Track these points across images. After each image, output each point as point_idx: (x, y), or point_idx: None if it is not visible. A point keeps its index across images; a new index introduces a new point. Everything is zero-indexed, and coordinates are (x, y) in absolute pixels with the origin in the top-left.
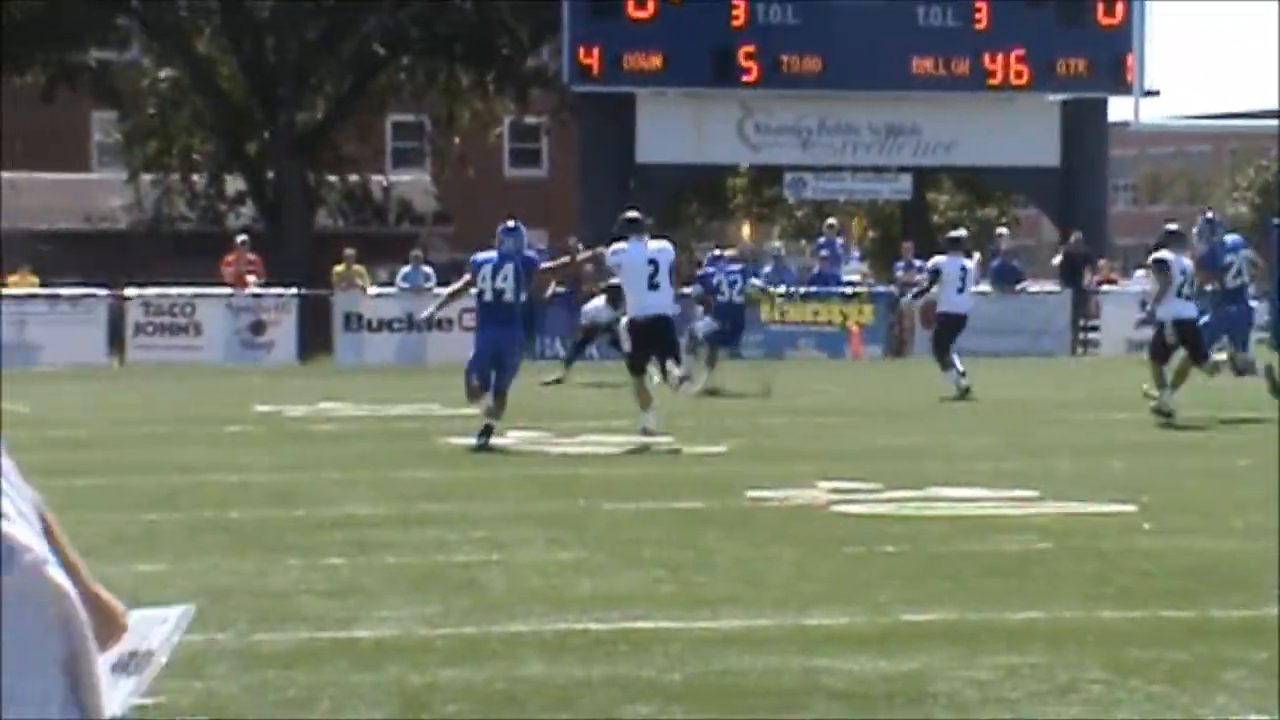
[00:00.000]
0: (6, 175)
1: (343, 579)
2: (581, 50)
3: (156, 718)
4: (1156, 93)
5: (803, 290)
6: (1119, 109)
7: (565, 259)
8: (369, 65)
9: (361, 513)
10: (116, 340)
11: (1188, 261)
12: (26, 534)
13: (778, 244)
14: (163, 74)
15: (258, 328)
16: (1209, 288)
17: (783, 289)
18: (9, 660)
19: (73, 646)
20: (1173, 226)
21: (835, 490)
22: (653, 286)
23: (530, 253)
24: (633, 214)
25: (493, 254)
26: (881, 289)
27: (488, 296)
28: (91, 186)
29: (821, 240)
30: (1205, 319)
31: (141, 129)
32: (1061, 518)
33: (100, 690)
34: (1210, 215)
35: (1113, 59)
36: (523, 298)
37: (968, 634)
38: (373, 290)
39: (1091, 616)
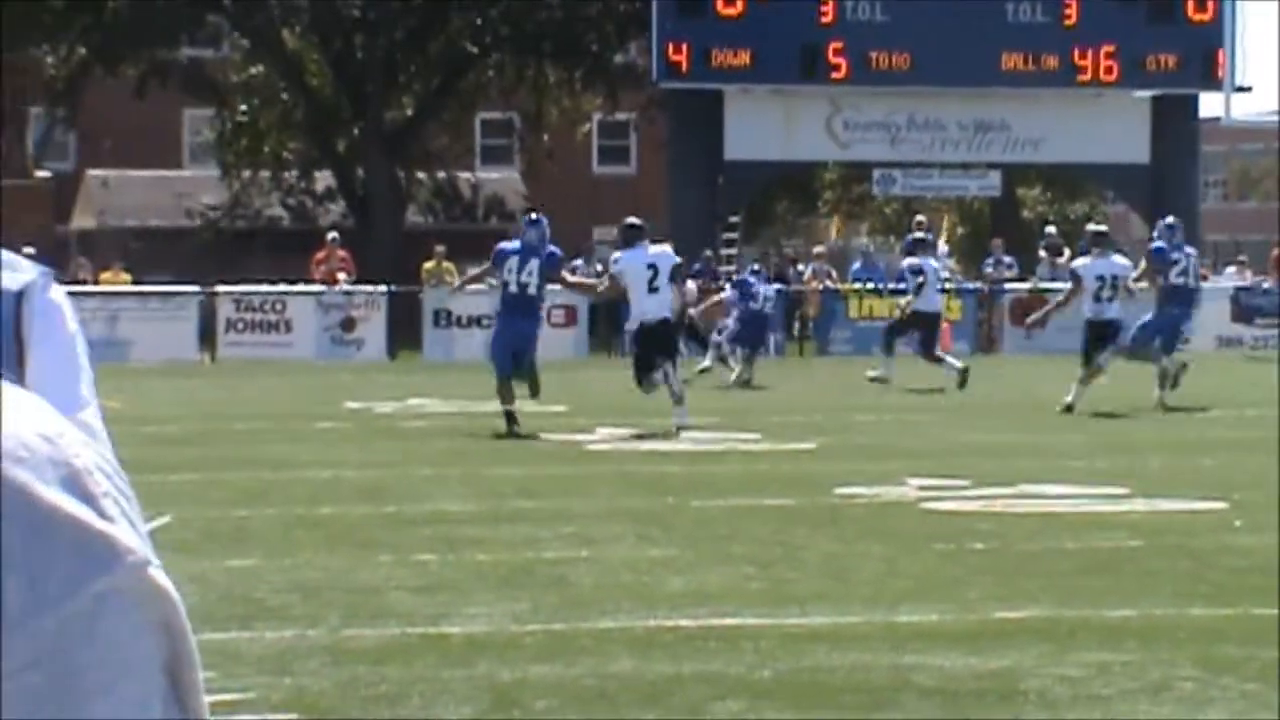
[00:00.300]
0: (99, 173)
1: (433, 575)
2: (670, 47)
3: (248, 715)
4: (1248, 88)
5: (890, 287)
6: (1210, 105)
7: (592, 282)
8: (458, 62)
9: (451, 509)
10: (207, 337)
11: (1120, 262)
12: (130, 535)
13: (866, 240)
14: (253, 70)
15: (348, 324)
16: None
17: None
18: (108, 661)
19: (174, 648)
20: (1099, 228)
21: (924, 487)
22: (652, 290)
23: (553, 247)
24: (633, 220)
25: (516, 244)
26: (970, 285)
27: (512, 288)
28: (183, 183)
29: (909, 237)
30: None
31: (233, 126)
32: (1153, 515)
33: (202, 692)
34: (1170, 221)
35: (1204, 54)
36: (543, 291)
37: (1059, 631)
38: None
39: (1183, 614)
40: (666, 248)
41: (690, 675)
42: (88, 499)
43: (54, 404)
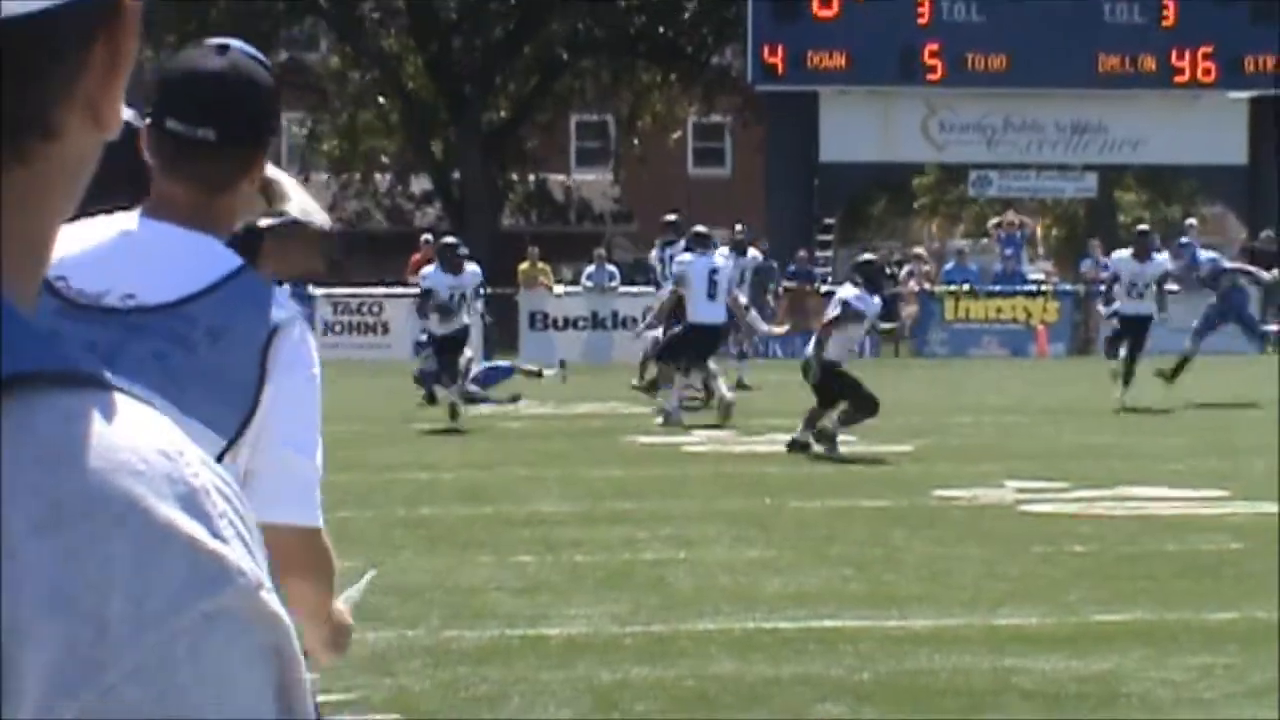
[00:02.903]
0: None
1: (532, 576)
2: (765, 49)
3: (351, 715)
4: None
5: (987, 288)
6: None
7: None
8: (553, 65)
9: (550, 510)
10: None
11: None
12: (244, 557)
13: (962, 243)
14: (352, 74)
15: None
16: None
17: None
18: (214, 681)
19: (286, 675)
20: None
21: (1023, 489)
22: (710, 296)
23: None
24: (700, 229)
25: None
26: (1067, 287)
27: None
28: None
29: (1003, 237)
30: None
31: (329, 128)
32: (1254, 518)
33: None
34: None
35: None
36: None
37: (1160, 634)
38: (558, 289)
39: None
40: (729, 258)
41: (790, 677)
42: (203, 518)
43: (280, 437)
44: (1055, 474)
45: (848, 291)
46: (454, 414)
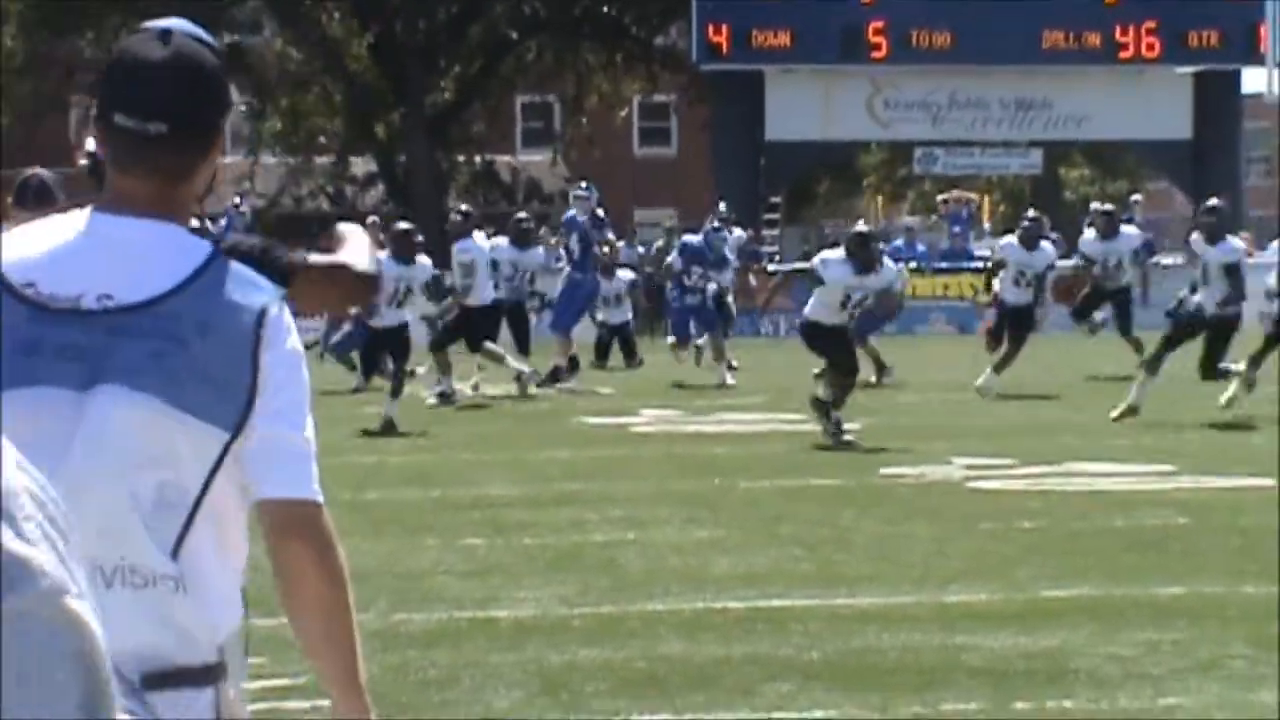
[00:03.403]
0: None
1: (481, 559)
2: (710, 29)
3: (298, 700)
4: None
5: (934, 265)
6: (1252, 80)
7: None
8: (498, 46)
9: (498, 493)
10: None
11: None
12: (51, 561)
13: (910, 220)
14: (294, 54)
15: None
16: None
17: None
18: (11, 694)
19: (90, 682)
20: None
21: (970, 466)
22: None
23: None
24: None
25: None
26: None
27: None
28: (221, 170)
29: (951, 214)
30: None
31: (266, 109)
32: (1201, 492)
33: None
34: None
35: (1246, 30)
36: None
37: (1108, 610)
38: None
39: (1233, 591)
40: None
41: (739, 657)
42: (8, 519)
43: (271, 413)
44: (1003, 451)
45: (827, 254)
46: (390, 427)
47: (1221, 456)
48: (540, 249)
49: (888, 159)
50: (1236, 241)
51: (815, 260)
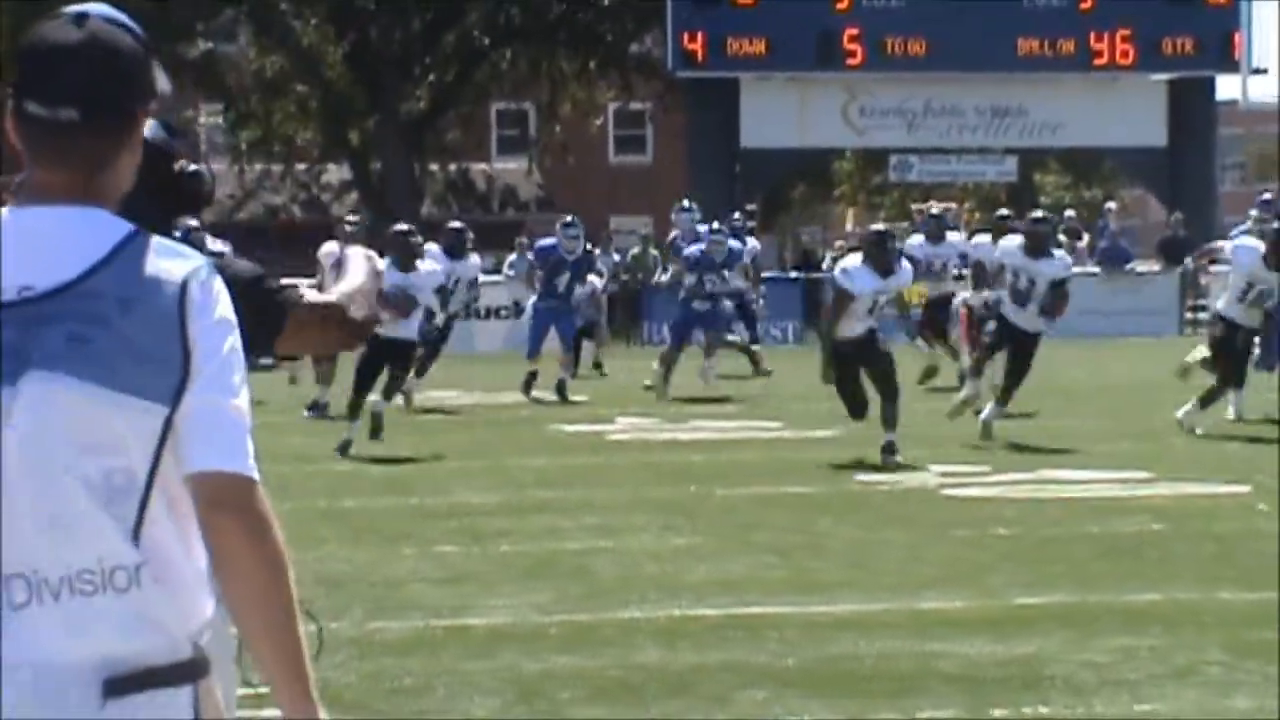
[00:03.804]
0: None
1: (456, 567)
2: (685, 36)
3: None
4: (1264, 71)
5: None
6: (1226, 87)
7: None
8: (473, 54)
9: (474, 501)
10: None
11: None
12: None
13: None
14: (269, 60)
15: None
16: None
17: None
18: None
19: None
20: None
21: (946, 474)
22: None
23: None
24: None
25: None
26: None
27: None
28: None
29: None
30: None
31: (240, 116)
32: (1176, 499)
33: None
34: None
35: (1220, 37)
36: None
37: (1083, 617)
38: (480, 279)
39: (1209, 598)
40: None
41: (715, 664)
42: None
43: (208, 387)
44: (977, 458)
45: (846, 263)
46: (376, 429)
47: (1196, 463)
48: (475, 258)
49: (862, 165)
50: (1065, 256)
51: (836, 273)
